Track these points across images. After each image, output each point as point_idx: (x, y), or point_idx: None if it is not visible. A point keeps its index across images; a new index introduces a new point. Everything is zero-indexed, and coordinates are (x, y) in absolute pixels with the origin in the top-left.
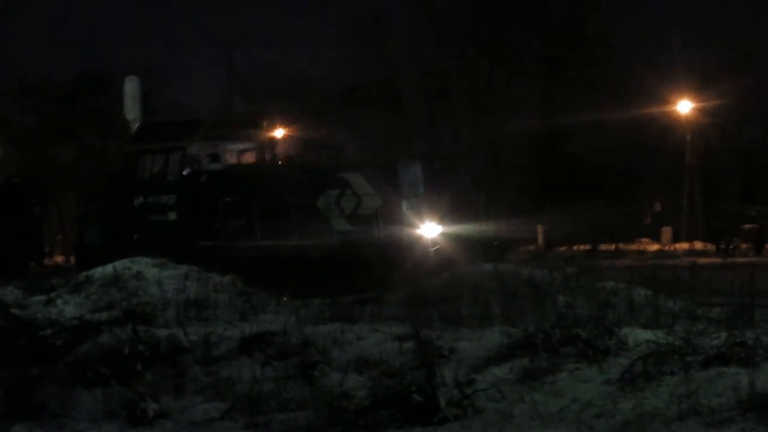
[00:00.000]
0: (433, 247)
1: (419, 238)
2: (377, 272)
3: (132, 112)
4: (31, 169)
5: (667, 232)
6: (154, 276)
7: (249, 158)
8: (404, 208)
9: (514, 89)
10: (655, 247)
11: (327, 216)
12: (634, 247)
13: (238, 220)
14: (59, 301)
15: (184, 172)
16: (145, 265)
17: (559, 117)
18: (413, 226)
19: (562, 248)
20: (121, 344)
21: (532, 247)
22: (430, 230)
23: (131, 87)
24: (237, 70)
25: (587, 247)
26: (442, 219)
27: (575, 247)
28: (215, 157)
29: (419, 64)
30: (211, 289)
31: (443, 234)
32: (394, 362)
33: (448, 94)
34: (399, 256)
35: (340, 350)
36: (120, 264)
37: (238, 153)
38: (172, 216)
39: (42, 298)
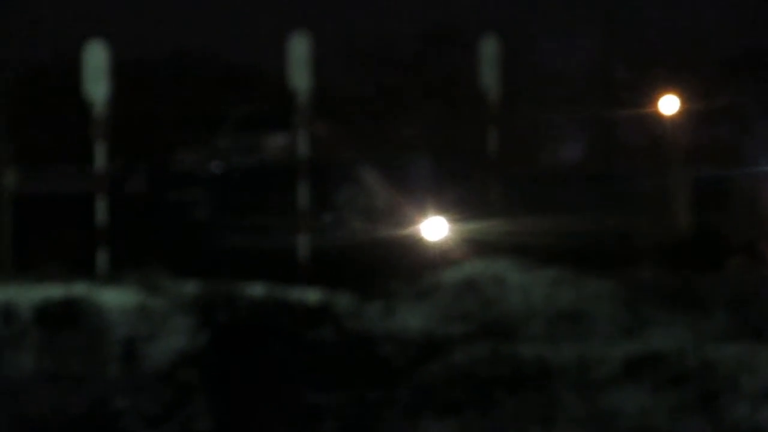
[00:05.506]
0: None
1: (422, 235)
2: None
3: (489, 78)
4: (370, 148)
5: None
6: (516, 281)
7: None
8: (410, 203)
9: None
10: None
11: (343, 212)
12: None
13: (255, 218)
14: (401, 311)
15: (213, 169)
16: (505, 268)
17: None
18: (414, 222)
19: None
20: (476, 364)
21: None
22: (435, 227)
23: (489, 49)
24: (617, 28)
25: None
26: (459, 214)
27: None
28: (249, 150)
29: None
30: (588, 297)
31: (454, 231)
32: None
33: None
34: (406, 252)
35: (751, 376)
36: (475, 266)
37: (279, 145)
38: (200, 214)
39: (379, 306)
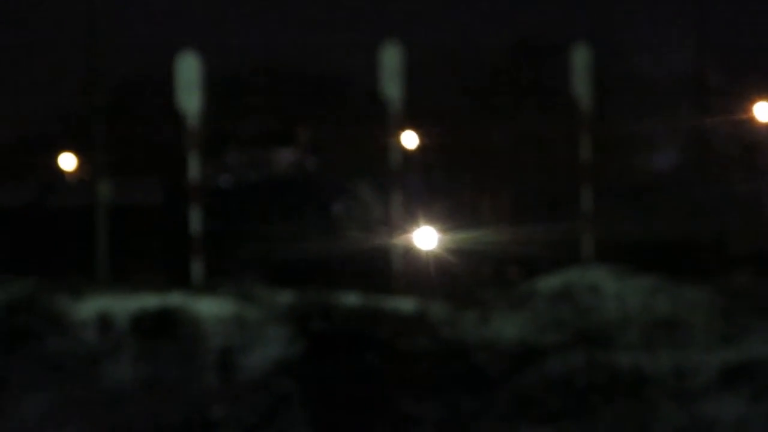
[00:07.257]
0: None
1: (412, 246)
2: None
3: (581, 86)
4: (460, 156)
5: None
6: (612, 289)
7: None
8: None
9: None
10: None
11: (340, 225)
12: None
13: (257, 230)
14: (496, 320)
15: (220, 183)
16: (601, 276)
17: None
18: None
19: None
20: (572, 373)
21: None
22: (425, 238)
23: (580, 58)
24: (712, 31)
25: None
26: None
27: None
28: (254, 166)
29: None
30: (684, 305)
31: (445, 243)
32: None
33: None
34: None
35: None
36: (571, 274)
37: (284, 160)
38: (207, 226)
39: (474, 315)
